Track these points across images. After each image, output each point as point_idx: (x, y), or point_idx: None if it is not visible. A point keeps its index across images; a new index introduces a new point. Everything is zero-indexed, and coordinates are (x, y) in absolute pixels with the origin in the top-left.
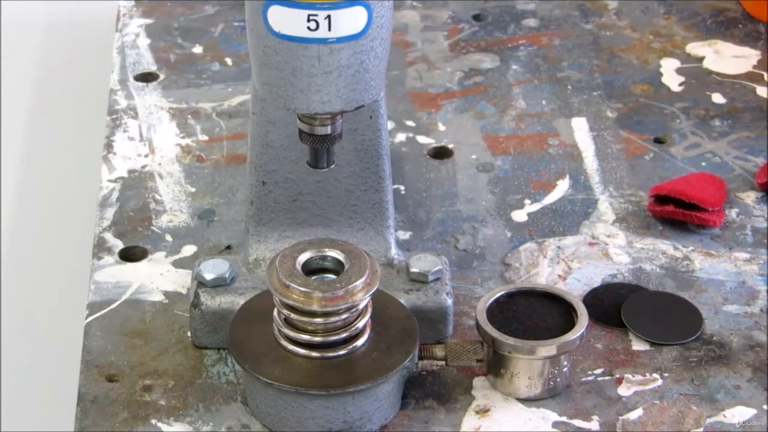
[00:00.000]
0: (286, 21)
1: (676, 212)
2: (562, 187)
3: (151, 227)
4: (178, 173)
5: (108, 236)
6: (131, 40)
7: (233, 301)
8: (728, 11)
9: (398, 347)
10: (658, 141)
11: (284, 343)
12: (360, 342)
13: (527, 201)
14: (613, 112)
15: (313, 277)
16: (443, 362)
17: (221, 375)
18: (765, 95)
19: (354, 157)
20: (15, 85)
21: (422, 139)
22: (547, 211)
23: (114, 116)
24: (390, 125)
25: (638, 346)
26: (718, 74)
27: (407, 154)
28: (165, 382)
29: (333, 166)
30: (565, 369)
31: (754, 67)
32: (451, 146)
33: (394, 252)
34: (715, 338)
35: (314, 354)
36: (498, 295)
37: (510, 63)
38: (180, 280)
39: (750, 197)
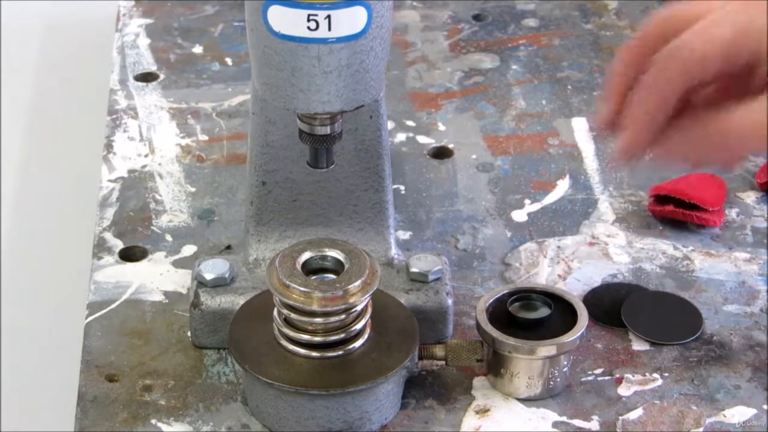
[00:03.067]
0: (286, 21)
1: (676, 212)
2: (562, 187)
3: (151, 227)
4: (178, 173)
5: (108, 236)
6: (131, 40)
7: (233, 301)
8: None
9: (398, 347)
10: None
11: (284, 343)
12: (360, 342)
13: (527, 201)
14: None
15: (313, 277)
16: (443, 362)
17: (221, 375)
18: None
19: (354, 157)
20: (15, 85)
21: (422, 139)
22: (547, 211)
23: (114, 116)
24: (390, 125)
25: (638, 346)
26: None
27: (407, 154)
28: (165, 382)
29: (333, 166)
30: (565, 369)
31: None
32: (451, 146)
33: (394, 252)
34: (715, 338)
35: (314, 354)
36: (498, 295)
37: (510, 63)
38: (180, 280)
39: (750, 197)
